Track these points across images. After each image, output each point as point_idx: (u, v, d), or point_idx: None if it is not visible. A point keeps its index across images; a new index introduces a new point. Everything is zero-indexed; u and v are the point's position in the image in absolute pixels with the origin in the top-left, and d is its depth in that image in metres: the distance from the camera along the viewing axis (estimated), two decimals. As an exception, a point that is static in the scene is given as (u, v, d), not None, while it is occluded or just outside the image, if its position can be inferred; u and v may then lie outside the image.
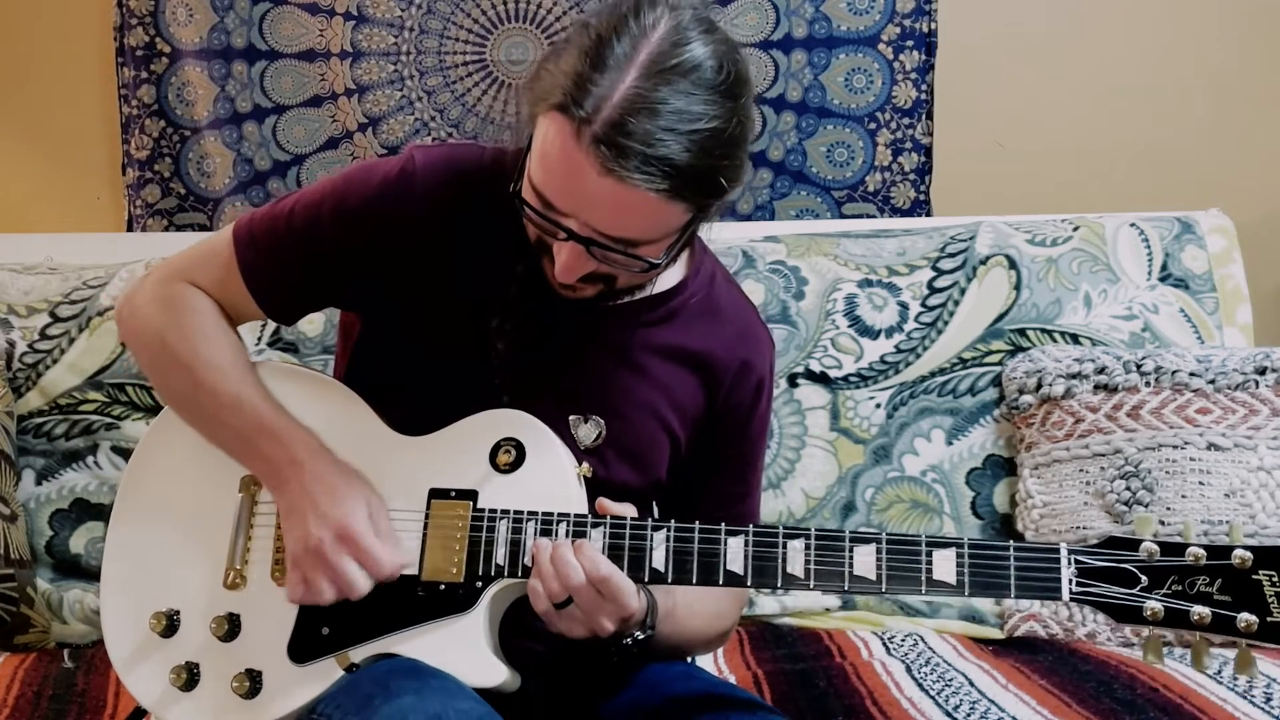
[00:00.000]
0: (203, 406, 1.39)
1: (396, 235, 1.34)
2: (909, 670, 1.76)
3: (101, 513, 2.08)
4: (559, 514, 1.27)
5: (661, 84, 1.15)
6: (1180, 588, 1.16)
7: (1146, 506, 1.98)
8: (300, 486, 1.31)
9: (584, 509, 1.29)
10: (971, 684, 1.70)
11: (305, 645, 1.30)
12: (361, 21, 2.55)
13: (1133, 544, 1.17)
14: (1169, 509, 1.97)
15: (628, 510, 1.27)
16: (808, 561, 1.22)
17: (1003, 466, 2.18)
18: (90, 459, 2.13)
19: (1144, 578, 1.16)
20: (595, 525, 1.26)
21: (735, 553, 1.23)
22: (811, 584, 1.22)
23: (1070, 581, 1.17)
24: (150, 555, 1.39)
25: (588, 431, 1.38)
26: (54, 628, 1.99)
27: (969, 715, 1.59)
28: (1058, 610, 1.98)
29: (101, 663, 1.78)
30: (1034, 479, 2.09)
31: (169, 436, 1.42)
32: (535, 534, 1.27)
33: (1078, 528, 2.02)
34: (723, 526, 1.25)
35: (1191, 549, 1.16)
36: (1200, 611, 1.14)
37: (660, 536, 1.25)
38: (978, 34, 2.59)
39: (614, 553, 1.25)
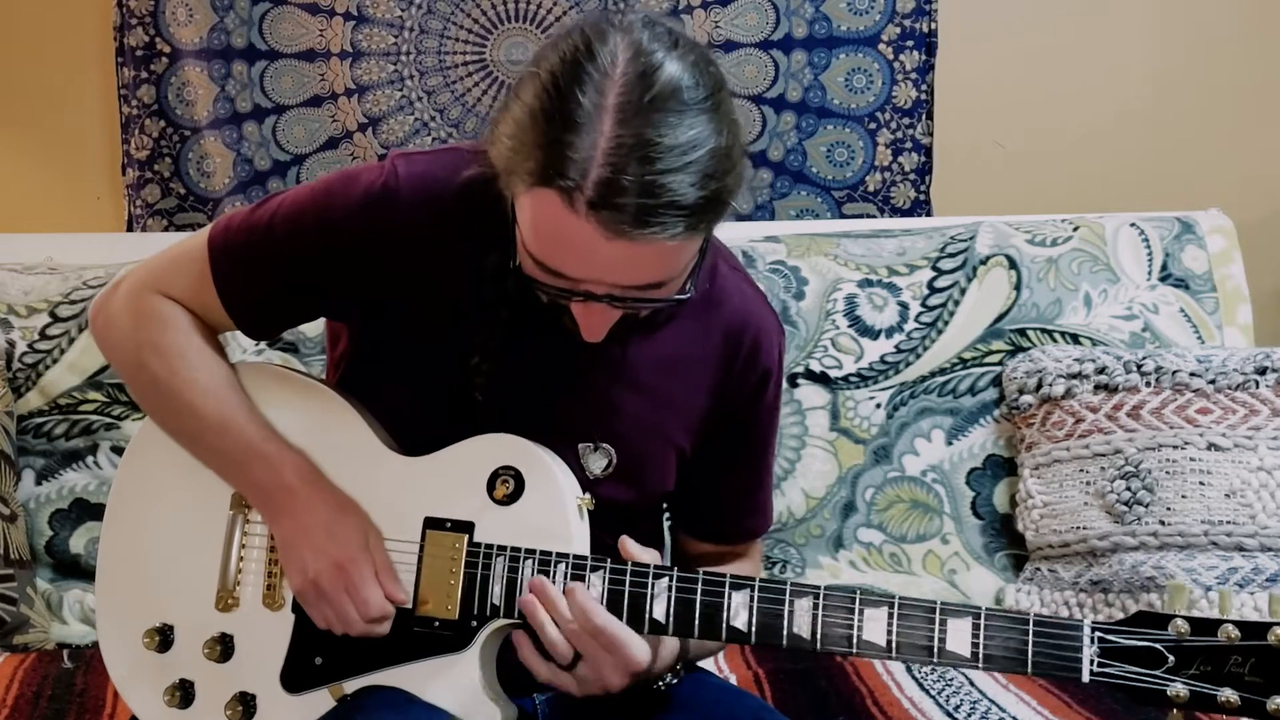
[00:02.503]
0: (185, 428, 1.34)
1: (376, 254, 1.27)
2: (909, 670, 1.76)
3: (101, 513, 2.07)
4: (557, 554, 1.23)
5: (644, 125, 1.05)
6: (1209, 668, 1.09)
7: (1147, 506, 1.98)
8: (295, 517, 1.27)
9: (585, 545, 1.25)
10: (972, 684, 1.70)
11: (298, 674, 1.29)
12: (361, 21, 2.55)
13: (1161, 620, 1.11)
14: (1169, 509, 1.97)
15: (650, 557, 1.23)
16: (814, 621, 1.17)
17: (1003, 466, 2.18)
18: (90, 459, 2.13)
19: (1171, 657, 1.10)
20: (595, 569, 1.22)
21: (739, 607, 1.18)
22: (818, 647, 1.17)
23: (1092, 661, 1.10)
24: (142, 568, 1.37)
25: (598, 460, 1.33)
26: (53, 628, 1.99)
27: (969, 715, 1.59)
28: (1058, 611, 1.98)
29: (100, 663, 1.77)
30: (1034, 479, 2.09)
31: (158, 443, 1.38)
32: (533, 574, 1.22)
33: (1078, 528, 2.02)
34: (727, 577, 1.20)
35: (1225, 627, 1.09)
36: (1228, 695, 1.08)
37: (662, 585, 1.20)
38: (978, 34, 2.59)
39: (613, 600, 1.21)
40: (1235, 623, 1.09)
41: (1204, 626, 1.09)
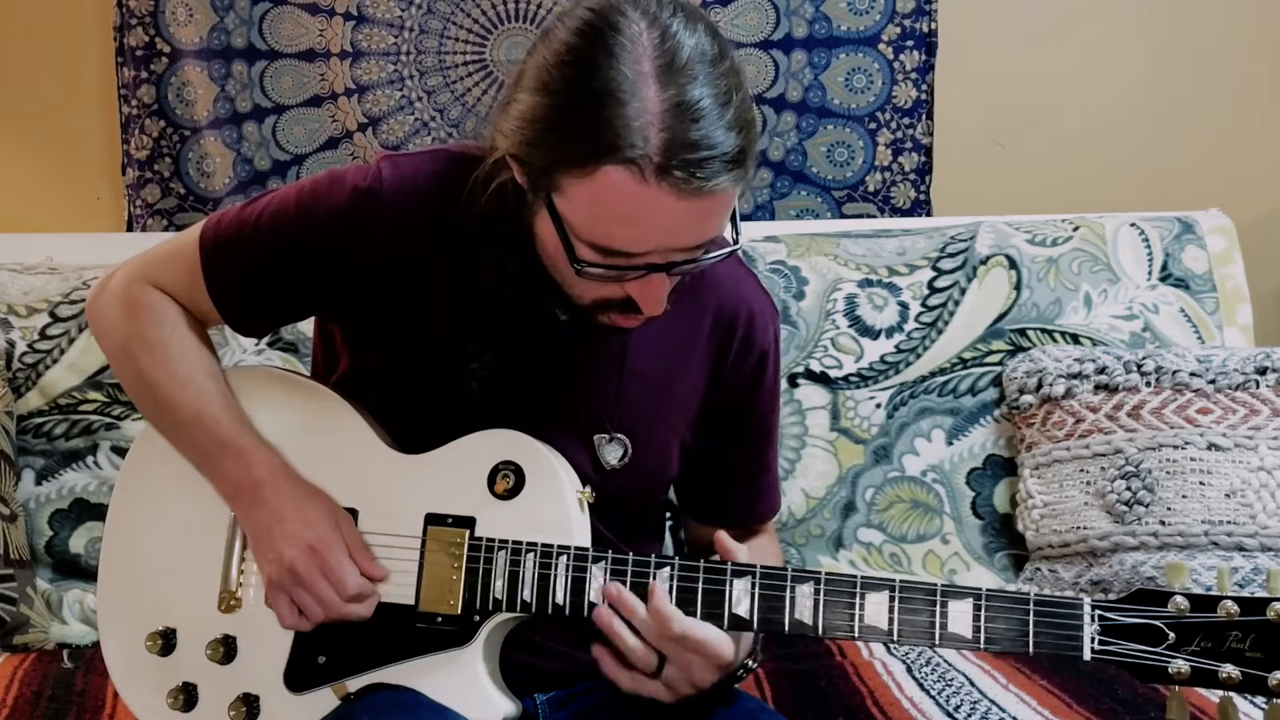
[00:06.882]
0: (164, 419, 1.35)
1: (357, 256, 1.28)
2: (909, 670, 1.76)
3: (101, 513, 2.07)
4: (559, 547, 1.24)
5: (687, 84, 1.09)
6: (1209, 644, 1.09)
7: (1147, 506, 1.98)
8: (266, 509, 1.28)
9: (586, 538, 1.25)
10: (972, 684, 1.70)
11: (301, 673, 1.29)
12: (361, 21, 2.55)
13: (1161, 597, 1.11)
14: (1169, 509, 1.97)
15: (742, 553, 1.23)
16: (816, 606, 1.18)
17: (1003, 466, 2.19)
18: (90, 459, 2.13)
19: (1171, 634, 1.10)
20: (596, 561, 1.22)
21: (741, 594, 1.19)
22: (820, 631, 1.17)
23: (1092, 640, 1.11)
24: (144, 571, 1.37)
25: (613, 451, 1.33)
26: (53, 628, 1.99)
27: (969, 715, 1.59)
28: (1058, 610, 1.98)
29: (100, 663, 1.77)
30: (1034, 479, 2.09)
31: (158, 446, 1.38)
32: (535, 567, 1.23)
33: (1078, 528, 2.02)
34: (729, 566, 1.20)
35: (1225, 603, 1.09)
36: (1229, 670, 1.08)
37: (664, 574, 1.21)
38: (978, 34, 2.59)
39: None
40: (1234, 599, 1.10)
41: (1203, 603, 1.10)
